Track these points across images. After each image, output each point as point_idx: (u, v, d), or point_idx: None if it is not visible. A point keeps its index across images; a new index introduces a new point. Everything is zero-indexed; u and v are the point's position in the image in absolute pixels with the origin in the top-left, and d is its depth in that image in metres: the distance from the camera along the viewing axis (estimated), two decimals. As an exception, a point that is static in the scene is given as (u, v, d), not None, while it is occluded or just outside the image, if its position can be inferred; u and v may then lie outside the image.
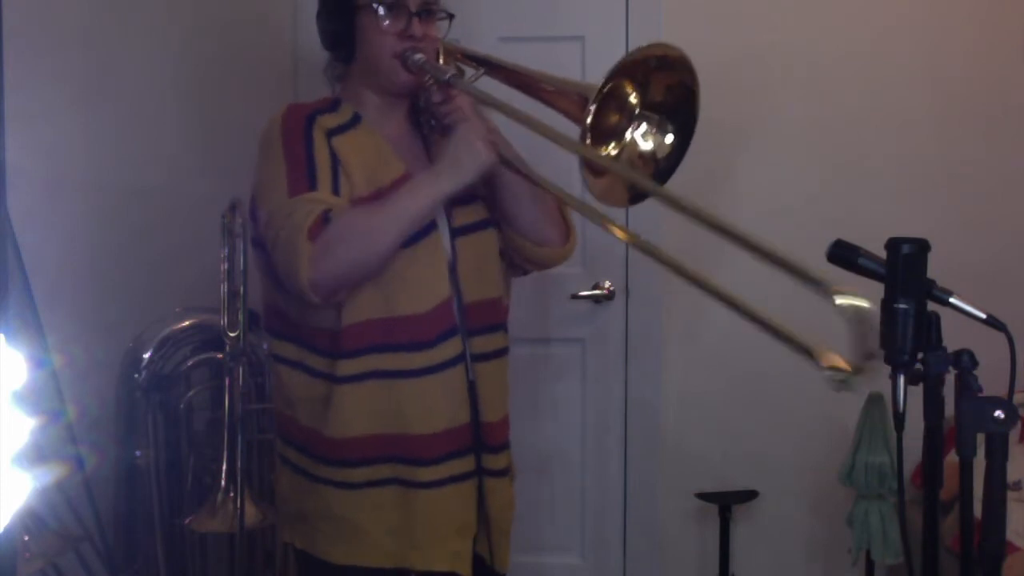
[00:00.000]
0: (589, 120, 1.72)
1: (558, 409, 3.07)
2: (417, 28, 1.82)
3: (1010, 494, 1.57)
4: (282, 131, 1.80)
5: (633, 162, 1.83)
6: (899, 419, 1.32)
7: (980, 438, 1.29)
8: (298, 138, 1.78)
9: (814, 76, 2.96)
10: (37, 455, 1.45)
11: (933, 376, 1.34)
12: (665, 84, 1.80)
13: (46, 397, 2.01)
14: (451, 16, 1.89)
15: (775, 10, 2.97)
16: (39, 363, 1.99)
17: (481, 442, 1.85)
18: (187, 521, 2.25)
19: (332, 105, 1.88)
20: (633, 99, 1.82)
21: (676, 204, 1.55)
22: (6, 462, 1.15)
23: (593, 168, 1.76)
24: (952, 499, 1.49)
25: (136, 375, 2.37)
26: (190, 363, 2.42)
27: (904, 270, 1.31)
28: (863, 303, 1.29)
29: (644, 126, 1.83)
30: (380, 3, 1.81)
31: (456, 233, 1.86)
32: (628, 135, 1.84)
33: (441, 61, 1.91)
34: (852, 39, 2.94)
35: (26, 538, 1.86)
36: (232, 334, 2.16)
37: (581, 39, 2.98)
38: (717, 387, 3.02)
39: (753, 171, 2.98)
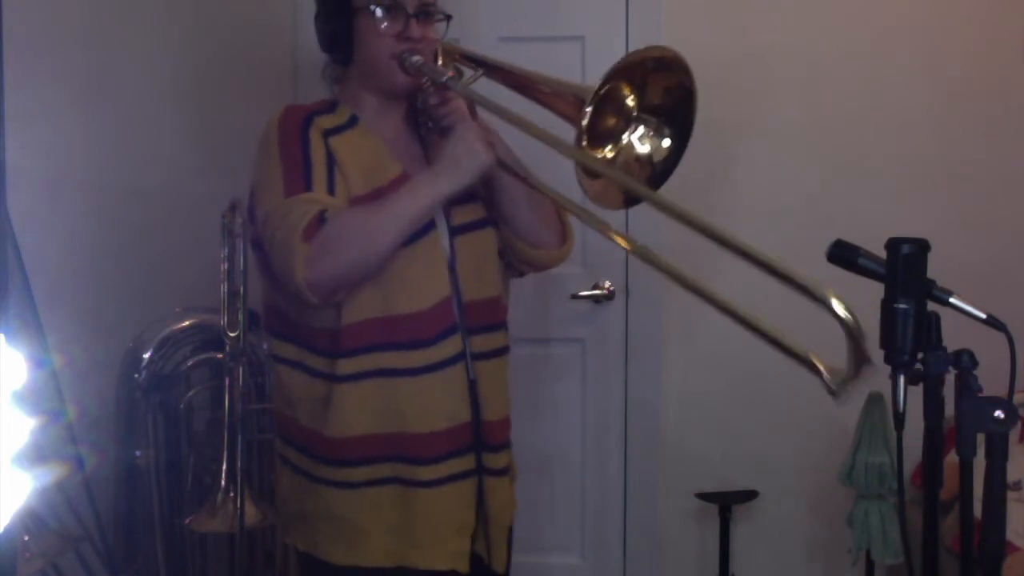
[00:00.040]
0: (585, 122, 1.72)
1: (558, 409, 3.08)
2: (415, 30, 1.82)
3: (1010, 494, 1.57)
4: (279, 132, 1.80)
5: (630, 165, 1.83)
6: (899, 419, 1.32)
7: (980, 438, 1.29)
8: (295, 139, 1.79)
9: (814, 76, 2.96)
10: (37, 455, 1.45)
11: (933, 376, 1.34)
12: (663, 86, 1.80)
13: (46, 397, 2.01)
14: (448, 17, 1.90)
15: (775, 10, 2.97)
16: (39, 363, 1.99)
17: (481, 441, 1.85)
18: (187, 521, 2.25)
19: (330, 107, 1.88)
20: (630, 102, 1.82)
21: (670, 209, 1.55)
22: (6, 462, 1.15)
23: (588, 170, 1.76)
24: (952, 499, 1.49)
25: (136, 375, 2.37)
26: (190, 363, 2.42)
27: (904, 270, 1.32)
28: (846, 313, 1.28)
29: (641, 129, 1.83)
30: (378, 5, 1.81)
31: (455, 232, 1.86)
32: (625, 138, 1.84)
33: (439, 62, 1.91)
34: (852, 39, 2.95)
35: (26, 538, 1.86)
36: (232, 334, 2.16)
37: (581, 39, 2.98)
38: (717, 387, 3.02)
39: (753, 171, 2.98)
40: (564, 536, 3.09)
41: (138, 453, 2.38)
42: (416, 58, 1.82)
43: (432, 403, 1.80)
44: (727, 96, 2.87)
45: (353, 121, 1.86)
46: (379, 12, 1.82)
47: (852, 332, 1.26)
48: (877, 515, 2.64)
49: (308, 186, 1.74)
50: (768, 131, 2.97)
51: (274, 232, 1.72)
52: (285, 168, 1.76)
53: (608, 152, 1.83)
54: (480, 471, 1.86)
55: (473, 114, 1.88)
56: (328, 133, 1.81)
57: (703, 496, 2.93)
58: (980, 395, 1.30)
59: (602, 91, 1.74)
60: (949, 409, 1.35)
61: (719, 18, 2.97)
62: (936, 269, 1.34)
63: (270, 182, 1.77)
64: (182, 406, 2.42)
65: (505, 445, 1.92)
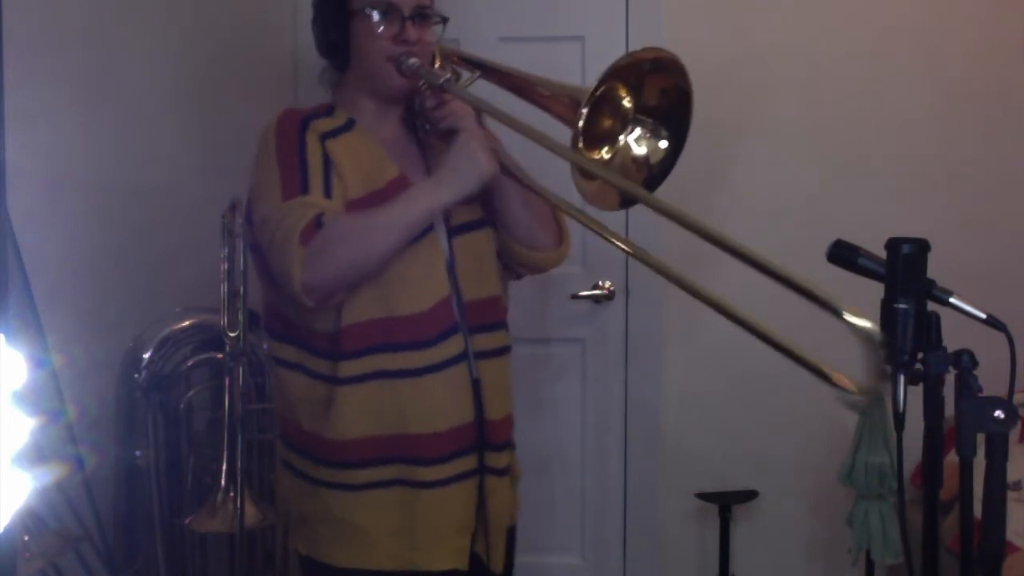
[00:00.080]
0: (581, 124, 1.72)
1: (558, 409, 3.07)
2: (411, 32, 1.83)
3: (1010, 494, 1.57)
4: (276, 136, 1.81)
5: (627, 166, 1.83)
6: (899, 419, 1.32)
7: (980, 438, 1.29)
8: (292, 142, 1.79)
9: (814, 76, 2.96)
10: (37, 455, 1.45)
11: (933, 376, 1.34)
12: (659, 88, 1.80)
13: (46, 397, 2.01)
14: (445, 20, 1.90)
15: (775, 10, 2.97)
16: (39, 363, 1.99)
17: (484, 440, 1.85)
18: (187, 521, 2.25)
19: (327, 110, 1.89)
20: (627, 103, 1.83)
21: (665, 211, 1.56)
22: (6, 462, 1.15)
23: (584, 172, 1.76)
24: (952, 499, 1.49)
25: (136, 375, 2.36)
26: (190, 363, 2.42)
27: (904, 270, 1.32)
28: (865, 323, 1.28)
29: (638, 130, 1.84)
30: (374, 8, 1.82)
31: (453, 232, 1.86)
32: (622, 139, 1.84)
33: (437, 64, 1.92)
34: (852, 39, 2.95)
35: (26, 538, 1.86)
36: (232, 334, 2.16)
37: (581, 39, 2.98)
38: (717, 387, 3.02)
39: (753, 171, 2.98)
40: (564, 536, 3.10)
41: (138, 453, 2.38)
42: (413, 60, 1.82)
43: (434, 404, 1.80)
44: (727, 96, 2.87)
45: (350, 124, 1.87)
46: (375, 15, 1.82)
47: (872, 344, 1.26)
48: (877, 515, 2.64)
49: (305, 189, 1.74)
50: (768, 131, 2.97)
51: (272, 235, 1.72)
52: (282, 172, 1.76)
53: (605, 154, 1.84)
54: (482, 470, 1.86)
55: (480, 121, 1.89)
56: (325, 136, 1.82)
57: (703, 496, 2.93)
58: (980, 395, 1.30)
59: (598, 93, 1.74)
60: (949, 409, 1.35)
61: (719, 18, 2.97)
62: (936, 269, 1.34)
63: (267, 186, 1.77)
64: (182, 406, 2.42)
65: (507, 444, 1.92)
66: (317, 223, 1.69)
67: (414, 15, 1.83)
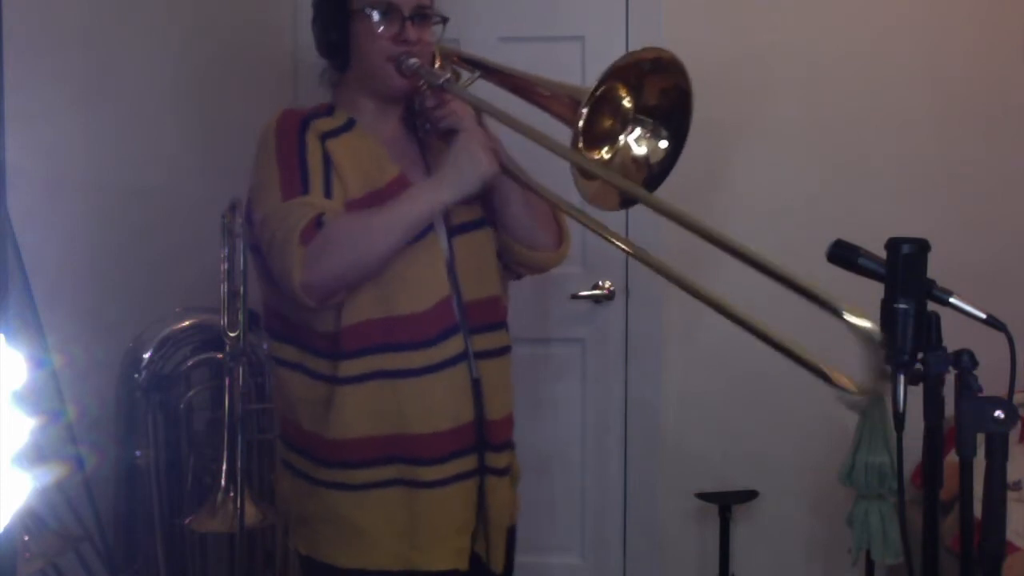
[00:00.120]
0: (581, 124, 1.72)
1: (558, 409, 3.07)
2: (411, 32, 1.83)
3: (1010, 494, 1.57)
4: (276, 136, 1.81)
5: (626, 166, 1.83)
6: (899, 419, 1.32)
7: (980, 438, 1.29)
8: (291, 142, 1.79)
9: (814, 76, 2.96)
10: (37, 455, 1.45)
11: (933, 376, 1.34)
12: (659, 88, 1.80)
13: (46, 397, 2.01)
14: (445, 20, 1.90)
15: (775, 10, 2.97)
16: (39, 363, 1.99)
17: (484, 440, 1.85)
18: (187, 521, 2.25)
19: (327, 110, 1.89)
20: (627, 103, 1.83)
21: (666, 211, 1.56)
22: (6, 462, 1.15)
23: (584, 172, 1.76)
24: (952, 499, 1.49)
25: (136, 375, 2.37)
26: (190, 363, 2.42)
27: (904, 270, 1.32)
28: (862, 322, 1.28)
29: (638, 130, 1.84)
30: (374, 8, 1.82)
31: (453, 232, 1.86)
32: (622, 139, 1.84)
33: (437, 65, 1.92)
34: (852, 39, 2.95)
35: (26, 538, 1.86)
36: (232, 334, 2.16)
37: (581, 39, 2.98)
38: (717, 387, 3.02)
39: (753, 171, 2.98)
40: (564, 536, 3.09)
41: (138, 453, 2.38)
42: (413, 60, 1.83)
43: (434, 403, 1.80)
44: (727, 96, 2.87)
45: (350, 124, 1.87)
46: (375, 15, 1.82)
47: (872, 344, 1.26)
48: (877, 515, 2.64)
49: (305, 189, 1.75)
50: (768, 131, 2.97)
51: (272, 235, 1.73)
52: (282, 172, 1.77)
53: (605, 154, 1.84)
54: (482, 470, 1.86)
55: (480, 121, 1.89)
56: (325, 136, 1.82)
57: (703, 496, 2.93)
58: (980, 395, 1.30)
59: (598, 93, 1.74)
60: (949, 409, 1.35)
61: (719, 18, 2.97)
62: (936, 269, 1.34)
63: (267, 186, 1.77)
64: (182, 406, 2.42)
65: (507, 444, 1.92)
66: (317, 223, 1.69)
67: (414, 15, 1.83)
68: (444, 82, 1.83)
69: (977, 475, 1.31)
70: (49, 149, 2.14)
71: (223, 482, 2.18)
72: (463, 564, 1.84)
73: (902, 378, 1.31)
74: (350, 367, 1.77)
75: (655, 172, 1.84)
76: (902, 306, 1.31)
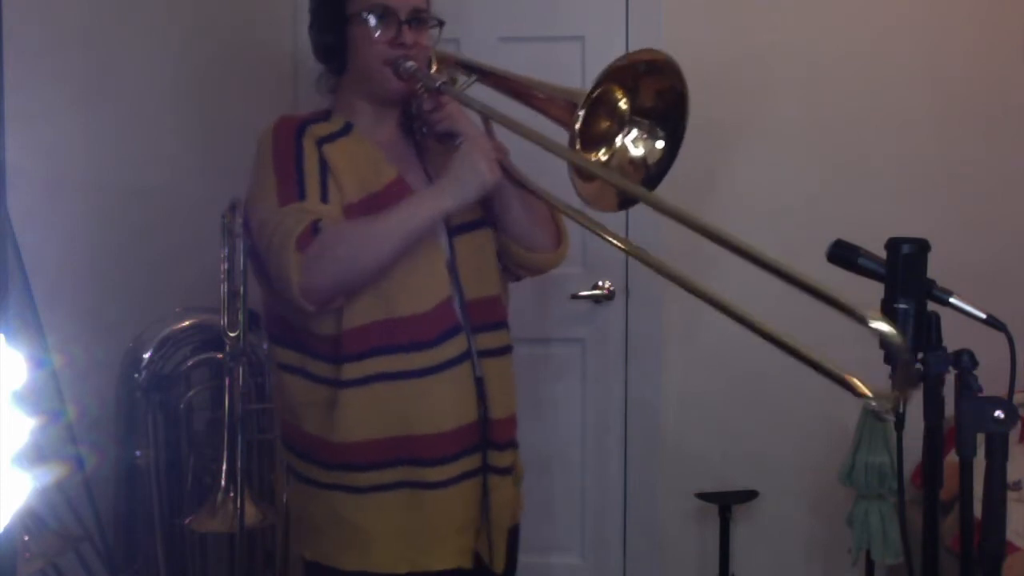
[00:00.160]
0: (578, 126, 1.73)
1: (558, 409, 3.07)
2: (408, 36, 1.83)
3: (1010, 494, 1.57)
4: (272, 141, 1.82)
5: (624, 168, 1.84)
6: (899, 419, 1.32)
7: (980, 438, 1.29)
8: (288, 148, 1.80)
9: (814, 76, 2.96)
10: (37, 455, 1.45)
11: (933, 376, 1.34)
12: (655, 89, 1.81)
13: (46, 397, 2.01)
14: (441, 23, 1.90)
15: (775, 10, 2.97)
16: (39, 363, 1.99)
17: (488, 439, 1.85)
18: (187, 521, 2.25)
19: (324, 115, 1.90)
20: (623, 105, 1.83)
21: (666, 209, 1.56)
22: (6, 462, 1.15)
23: (582, 173, 1.76)
24: (952, 499, 1.49)
25: (136, 375, 2.37)
26: (190, 363, 2.42)
27: (904, 270, 1.32)
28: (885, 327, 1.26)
29: (635, 132, 1.84)
30: (370, 12, 1.82)
31: (453, 232, 1.86)
32: (619, 141, 1.85)
33: (434, 68, 1.93)
34: (852, 39, 2.94)
35: (26, 538, 1.86)
36: (232, 334, 2.16)
37: (581, 39, 2.98)
38: (717, 387, 3.02)
39: (753, 171, 2.98)
40: (564, 536, 3.09)
41: (138, 453, 2.38)
42: (410, 64, 1.83)
43: (438, 404, 1.80)
44: (727, 96, 2.87)
45: (347, 128, 1.87)
46: (372, 19, 1.82)
47: (900, 350, 1.24)
48: (877, 515, 2.64)
49: (302, 195, 1.75)
50: (768, 131, 2.97)
51: (269, 240, 1.73)
52: (279, 177, 1.77)
53: (602, 155, 1.85)
54: (486, 470, 1.86)
55: (488, 130, 1.89)
56: (322, 141, 1.82)
57: (703, 496, 2.93)
58: (980, 395, 1.30)
59: (594, 95, 1.74)
60: (949, 409, 1.35)
61: (719, 18, 2.97)
62: (936, 269, 1.34)
63: (264, 192, 1.78)
64: (182, 406, 2.42)
65: (510, 444, 1.92)
66: (314, 229, 1.70)
67: (410, 19, 1.84)
68: (441, 85, 1.83)
69: (977, 475, 1.31)
70: (49, 149, 2.14)
71: (223, 482, 2.18)
72: (466, 563, 1.84)
73: (902, 378, 1.31)
74: (352, 370, 1.77)
75: (652, 173, 1.84)
76: (902, 306, 1.31)
